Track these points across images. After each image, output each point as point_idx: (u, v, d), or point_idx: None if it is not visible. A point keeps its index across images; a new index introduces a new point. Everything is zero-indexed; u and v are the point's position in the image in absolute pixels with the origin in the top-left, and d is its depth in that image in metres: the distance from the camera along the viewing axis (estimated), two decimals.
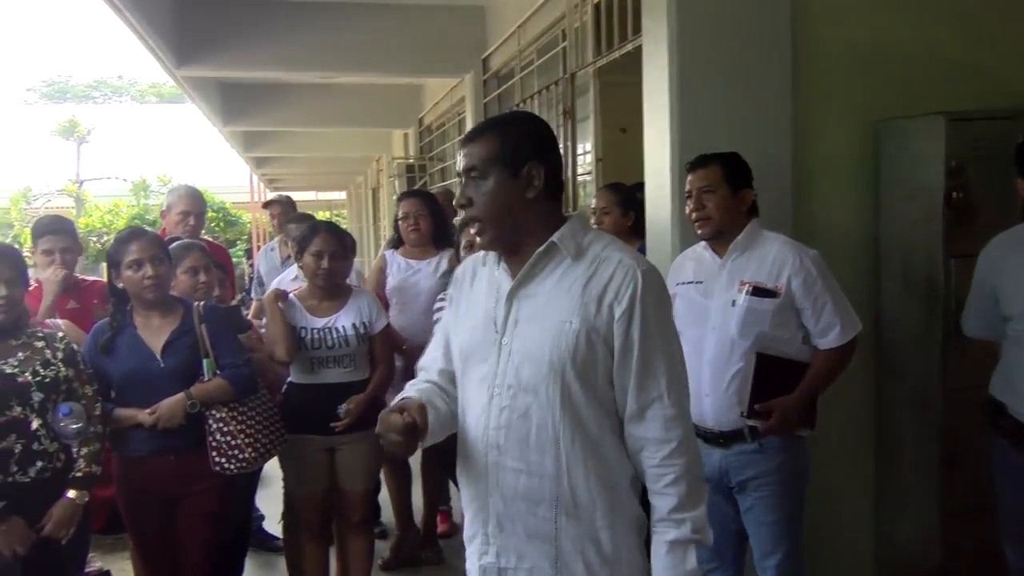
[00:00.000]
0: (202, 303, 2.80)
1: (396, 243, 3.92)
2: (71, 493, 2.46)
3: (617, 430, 1.55)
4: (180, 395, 2.62)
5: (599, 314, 1.50)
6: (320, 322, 3.08)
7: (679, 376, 1.55)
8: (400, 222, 3.84)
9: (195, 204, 3.96)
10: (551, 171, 1.57)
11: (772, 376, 2.36)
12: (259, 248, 10.64)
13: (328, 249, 3.07)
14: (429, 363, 1.77)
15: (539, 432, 1.52)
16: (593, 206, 3.42)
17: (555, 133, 1.74)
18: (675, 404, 1.52)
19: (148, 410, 2.61)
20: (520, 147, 1.55)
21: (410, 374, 3.52)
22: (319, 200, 19.25)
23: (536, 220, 1.56)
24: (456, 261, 3.75)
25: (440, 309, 3.01)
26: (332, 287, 3.13)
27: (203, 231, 4.32)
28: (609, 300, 1.50)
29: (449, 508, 4.23)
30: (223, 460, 2.66)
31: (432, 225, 3.81)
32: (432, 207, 3.89)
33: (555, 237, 1.55)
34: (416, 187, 8.78)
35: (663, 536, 1.52)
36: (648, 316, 1.50)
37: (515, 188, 1.54)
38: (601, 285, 1.51)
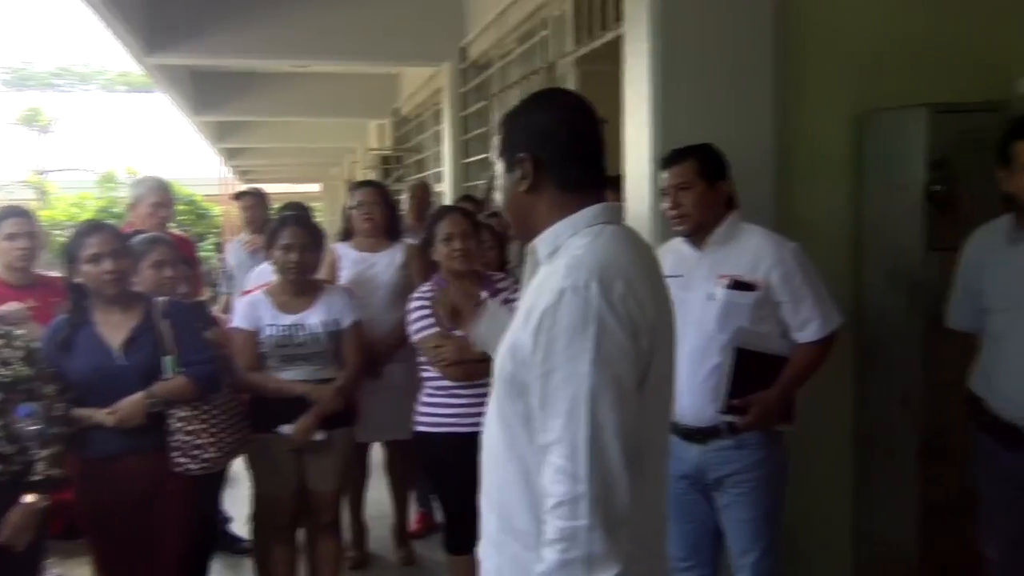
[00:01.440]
0: (164, 298, 2.72)
1: (346, 235, 3.77)
2: (29, 497, 2.37)
3: None
4: (140, 394, 2.54)
5: (523, 329, 1.34)
6: (289, 319, 3.00)
7: (580, 420, 1.25)
8: (353, 211, 3.70)
9: (167, 195, 3.88)
10: (548, 161, 1.41)
11: (750, 371, 2.32)
12: (230, 242, 10.49)
13: (298, 242, 2.99)
14: None
15: (497, 440, 1.43)
16: None
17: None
18: (568, 455, 1.25)
19: (107, 409, 2.52)
20: (512, 138, 1.46)
21: (372, 371, 3.45)
22: (293, 192, 19.02)
23: (544, 213, 1.43)
24: (415, 252, 3.65)
25: (416, 308, 2.90)
26: (303, 282, 3.06)
27: (172, 224, 4.23)
28: (531, 314, 1.33)
29: (428, 509, 4.17)
30: (186, 460, 2.58)
31: (385, 216, 3.70)
32: (386, 197, 3.79)
33: (538, 238, 1.44)
34: (392, 178, 8.71)
35: None
36: (553, 340, 1.28)
37: (511, 182, 1.45)
38: (537, 296, 1.34)
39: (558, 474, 1.27)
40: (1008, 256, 2.28)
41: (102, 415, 2.52)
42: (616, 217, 1.45)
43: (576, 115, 1.46)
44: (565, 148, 1.43)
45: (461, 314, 1.99)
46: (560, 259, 1.37)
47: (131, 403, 2.53)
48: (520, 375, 1.34)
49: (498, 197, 1.51)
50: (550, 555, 1.26)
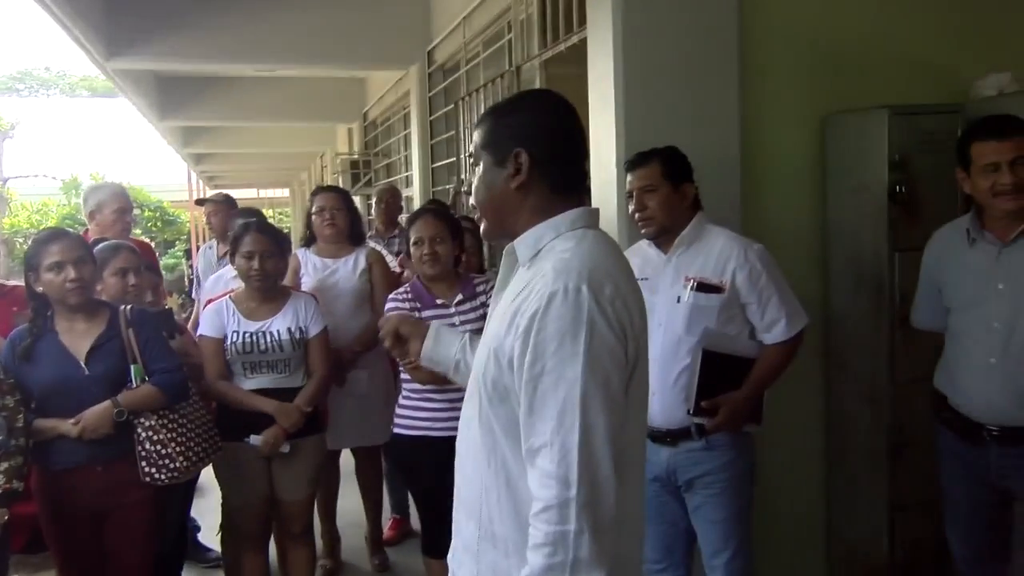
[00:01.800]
0: (129, 306, 2.67)
1: (308, 241, 3.73)
2: None
3: None
4: (107, 403, 2.50)
5: (509, 332, 1.31)
6: (254, 326, 2.96)
7: (571, 424, 1.24)
8: (314, 216, 3.66)
9: (128, 201, 3.85)
10: (543, 159, 1.39)
11: (719, 372, 2.33)
12: (199, 248, 10.37)
13: (260, 249, 2.96)
14: None
15: (476, 446, 1.41)
16: None
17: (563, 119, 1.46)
18: (558, 459, 1.24)
19: (72, 420, 2.48)
20: (506, 132, 1.42)
21: (336, 378, 3.42)
22: (261, 198, 18.87)
23: (529, 213, 1.40)
24: (377, 258, 3.63)
25: (391, 310, 2.87)
26: (269, 289, 3.02)
27: (138, 230, 4.18)
28: (518, 318, 1.30)
29: (402, 516, 4.14)
30: (153, 470, 2.54)
31: (348, 220, 3.67)
32: (347, 203, 3.76)
33: (518, 239, 1.41)
34: (362, 183, 8.67)
35: None
36: (543, 344, 1.26)
37: (499, 177, 1.41)
38: (523, 299, 1.32)
39: (547, 478, 1.25)
40: (967, 255, 2.32)
41: (67, 426, 2.48)
42: (595, 222, 1.44)
43: (566, 117, 1.45)
44: (556, 149, 1.41)
45: (405, 342, 1.78)
46: (544, 262, 1.35)
47: (96, 413, 2.49)
48: (504, 379, 1.33)
49: (477, 192, 1.47)
50: (535, 559, 1.25)
